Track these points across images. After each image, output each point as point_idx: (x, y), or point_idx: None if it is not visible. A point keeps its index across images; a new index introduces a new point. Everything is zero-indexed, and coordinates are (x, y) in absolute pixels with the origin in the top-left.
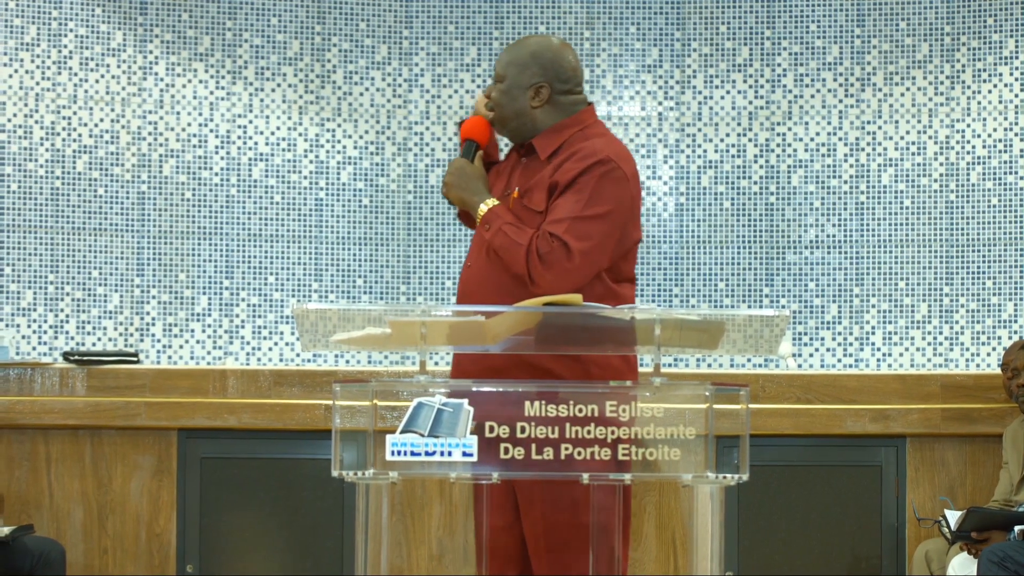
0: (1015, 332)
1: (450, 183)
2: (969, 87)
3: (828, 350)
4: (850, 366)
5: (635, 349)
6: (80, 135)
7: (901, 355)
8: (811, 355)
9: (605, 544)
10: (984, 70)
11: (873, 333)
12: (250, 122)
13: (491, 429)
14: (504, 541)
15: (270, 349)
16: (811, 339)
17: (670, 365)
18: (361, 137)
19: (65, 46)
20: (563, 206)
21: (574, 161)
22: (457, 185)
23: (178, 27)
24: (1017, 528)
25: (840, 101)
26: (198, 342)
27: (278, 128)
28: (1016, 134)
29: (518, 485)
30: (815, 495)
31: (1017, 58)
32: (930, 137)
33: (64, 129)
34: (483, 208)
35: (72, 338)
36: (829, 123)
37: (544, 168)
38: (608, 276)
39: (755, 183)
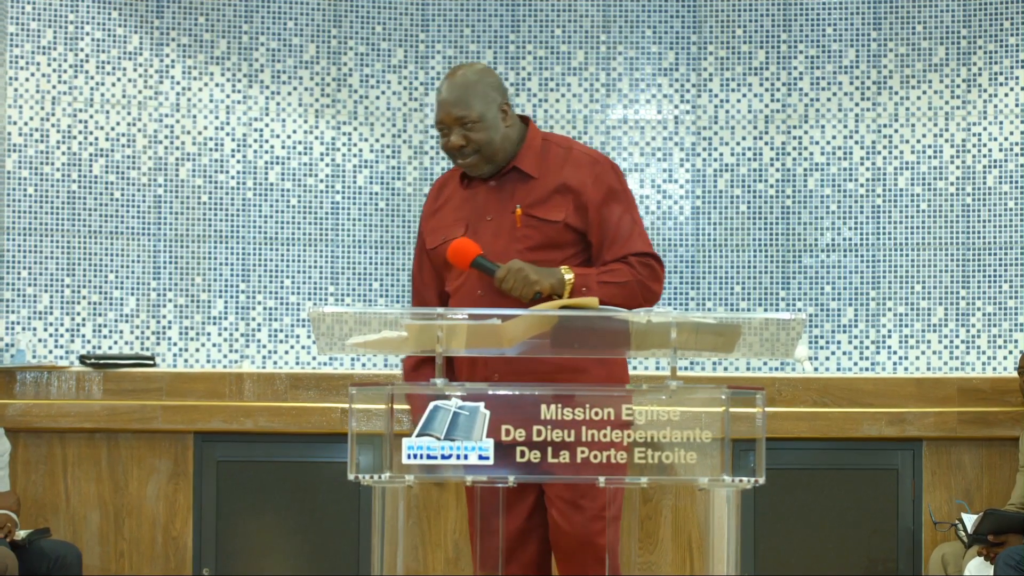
0: None
1: (539, 279)
2: (985, 90)
3: (844, 353)
4: (866, 369)
5: (651, 352)
6: (96, 138)
7: (917, 358)
8: (827, 358)
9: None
10: (1000, 73)
11: (889, 336)
12: (266, 125)
13: (507, 432)
14: (520, 543)
15: (286, 352)
16: (827, 342)
17: (686, 368)
18: (377, 140)
19: (81, 49)
20: (621, 222)
21: (587, 170)
22: (542, 276)
23: (194, 30)
24: None
25: (856, 104)
26: (214, 345)
27: (294, 131)
28: None
29: (548, 487)
30: (831, 498)
31: None
32: (946, 140)
33: (80, 132)
34: (569, 278)
35: (88, 341)
36: (845, 126)
37: (537, 182)
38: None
39: (771, 186)
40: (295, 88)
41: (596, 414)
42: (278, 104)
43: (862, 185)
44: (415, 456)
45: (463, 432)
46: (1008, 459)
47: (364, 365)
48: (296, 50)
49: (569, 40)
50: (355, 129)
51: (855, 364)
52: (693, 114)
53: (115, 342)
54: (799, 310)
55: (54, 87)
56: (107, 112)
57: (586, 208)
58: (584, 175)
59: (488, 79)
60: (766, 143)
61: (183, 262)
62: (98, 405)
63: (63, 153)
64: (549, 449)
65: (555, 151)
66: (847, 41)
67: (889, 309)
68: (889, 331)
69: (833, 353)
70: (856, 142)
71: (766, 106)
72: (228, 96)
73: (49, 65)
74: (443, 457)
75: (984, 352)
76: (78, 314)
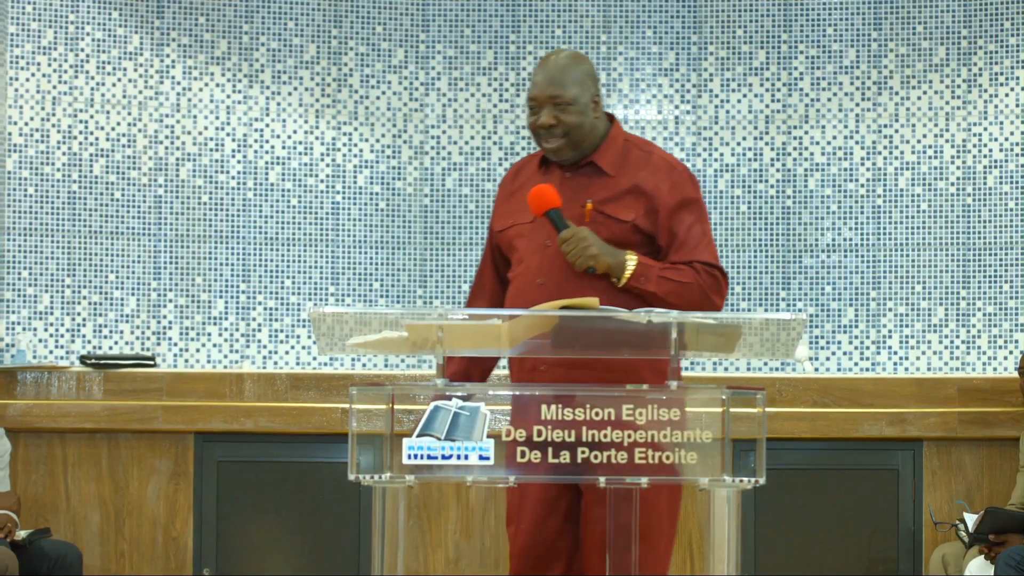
0: None
1: (599, 254)
2: (986, 90)
3: (845, 353)
4: (867, 369)
5: (652, 352)
6: (97, 139)
7: (918, 358)
8: (828, 358)
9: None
10: (1001, 73)
11: (890, 336)
12: (267, 126)
13: (507, 432)
14: (556, 543)
15: (287, 352)
16: (828, 342)
17: (686, 368)
18: (378, 141)
19: (82, 50)
20: (692, 230)
21: (664, 176)
22: (604, 252)
23: (195, 31)
24: None
25: (857, 104)
26: (215, 346)
27: (295, 132)
28: None
29: (586, 487)
30: (832, 498)
31: None
32: (947, 140)
33: (81, 133)
34: (631, 263)
35: (89, 342)
36: (846, 127)
37: (612, 180)
38: None
39: (772, 187)
40: (295, 88)
41: (596, 414)
42: (278, 104)
43: (862, 185)
44: (415, 456)
45: (463, 432)
46: (1009, 459)
47: (364, 365)
48: (296, 50)
49: (569, 40)
50: (355, 129)
51: (855, 364)
52: (693, 114)
53: (115, 342)
54: (799, 310)
55: (54, 87)
56: (107, 112)
57: (657, 212)
58: (660, 180)
59: (585, 67)
60: (766, 143)
61: (183, 262)
62: (98, 405)
63: (63, 153)
64: (549, 449)
65: (635, 153)
66: (847, 41)
67: (889, 309)
68: (889, 331)
69: (833, 353)
70: (856, 142)
71: (766, 106)
72: (228, 96)
73: (49, 65)
74: (443, 457)
75: (984, 352)
76: (78, 314)
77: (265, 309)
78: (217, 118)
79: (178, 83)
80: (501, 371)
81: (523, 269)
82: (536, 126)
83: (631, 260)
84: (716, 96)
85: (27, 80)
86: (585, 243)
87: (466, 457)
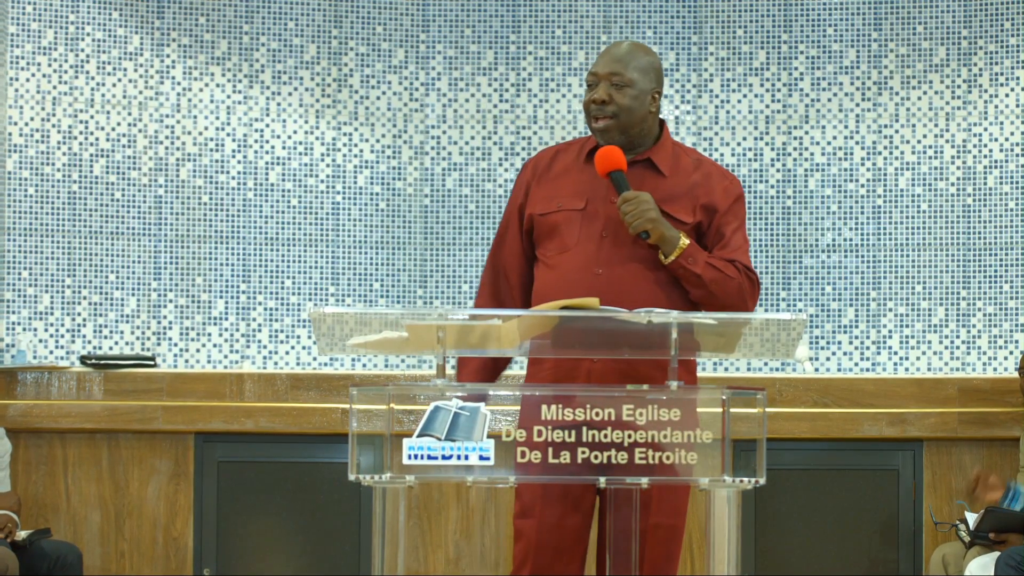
0: None
1: (657, 219)
2: (986, 91)
3: (845, 354)
4: (867, 370)
5: (652, 353)
6: (97, 139)
7: (918, 359)
8: (828, 359)
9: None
10: (1001, 74)
11: (890, 337)
12: (267, 126)
13: (507, 433)
14: (575, 543)
15: (287, 353)
16: (828, 343)
17: None
18: (378, 141)
19: (82, 50)
20: (736, 234)
21: (718, 180)
22: (661, 221)
23: (195, 31)
24: None
25: (857, 105)
26: (215, 346)
27: (295, 132)
28: None
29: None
30: (832, 499)
31: None
32: (947, 141)
33: (81, 133)
34: (684, 242)
35: (89, 342)
36: (846, 127)
37: (667, 180)
38: None
39: (772, 187)
40: (296, 88)
41: (597, 415)
42: (279, 104)
43: (863, 186)
44: (416, 456)
45: (464, 433)
46: (1009, 459)
47: (364, 366)
48: (297, 50)
49: (570, 40)
50: (356, 130)
51: (856, 364)
52: (694, 115)
53: (116, 342)
54: (800, 310)
55: (55, 88)
56: (108, 113)
57: (715, 211)
58: (716, 183)
59: (653, 60)
60: (767, 143)
61: (184, 262)
62: (99, 405)
63: (64, 154)
64: (550, 449)
65: (685, 159)
66: (848, 42)
67: (890, 309)
68: (890, 331)
69: (834, 353)
70: (857, 142)
71: (767, 107)
72: (229, 97)
73: (50, 66)
74: (443, 457)
75: (985, 352)
76: (79, 314)
77: (265, 309)
78: (217, 118)
79: (178, 83)
80: (509, 371)
81: (572, 257)
82: (589, 101)
83: (684, 239)
84: (716, 96)
85: (27, 80)
86: (645, 206)
87: (466, 457)
